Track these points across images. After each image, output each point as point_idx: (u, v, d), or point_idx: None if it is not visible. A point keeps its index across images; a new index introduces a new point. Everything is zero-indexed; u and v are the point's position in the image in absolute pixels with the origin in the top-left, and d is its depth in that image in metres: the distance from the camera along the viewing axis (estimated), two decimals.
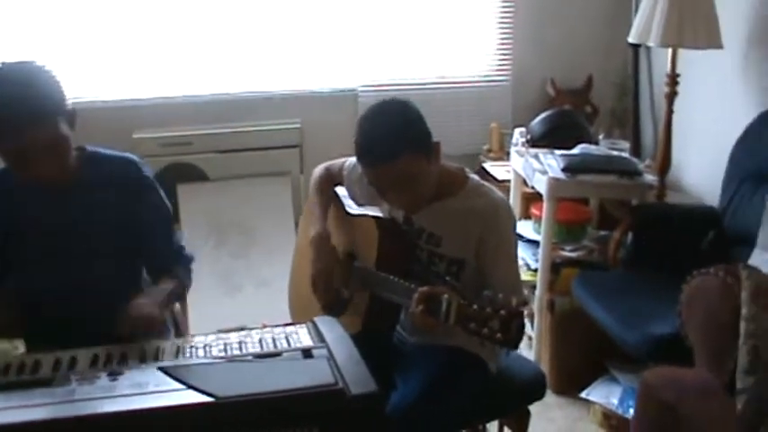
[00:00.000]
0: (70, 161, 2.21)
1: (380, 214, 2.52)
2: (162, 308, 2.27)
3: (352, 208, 2.63)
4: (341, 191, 2.68)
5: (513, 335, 1.92)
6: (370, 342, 2.17)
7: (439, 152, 2.29)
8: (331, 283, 2.46)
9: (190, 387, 1.77)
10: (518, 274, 2.46)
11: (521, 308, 1.92)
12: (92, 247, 2.30)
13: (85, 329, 2.10)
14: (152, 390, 1.77)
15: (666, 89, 3.74)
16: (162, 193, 2.44)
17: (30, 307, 2.33)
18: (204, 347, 2.01)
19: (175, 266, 2.45)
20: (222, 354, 1.97)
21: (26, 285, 2.33)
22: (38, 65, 2.10)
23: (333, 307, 2.48)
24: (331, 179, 2.67)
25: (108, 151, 2.38)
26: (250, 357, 1.94)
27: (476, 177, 2.43)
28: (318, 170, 2.70)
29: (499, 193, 2.40)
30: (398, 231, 2.45)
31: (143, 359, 1.96)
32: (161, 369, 1.86)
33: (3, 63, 2.10)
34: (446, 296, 2.03)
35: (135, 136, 4.02)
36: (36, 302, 2.32)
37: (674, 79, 3.71)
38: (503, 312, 1.92)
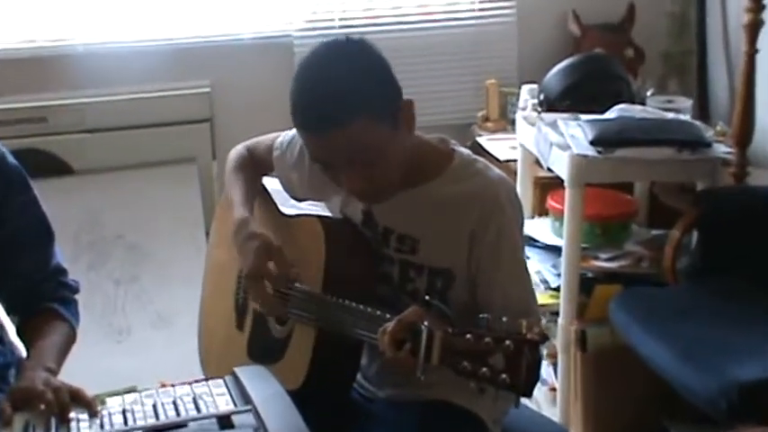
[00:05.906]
0: None
1: (328, 213, 2.51)
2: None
3: (288, 207, 2.62)
4: (271, 183, 2.67)
5: (525, 374, 1.91)
6: (318, 400, 2.19)
7: (412, 115, 2.28)
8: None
9: None
10: (530, 287, 2.44)
11: (535, 335, 1.91)
12: None
13: None
14: None
15: (747, 18, 3.71)
16: (35, 191, 2.41)
17: None
18: (74, 421, 1.98)
19: (57, 301, 2.43)
20: (99, 430, 1.95)
21: None
22: None
23: (262, 350, 2.46)
24: (255, 163, 2.65)
25: None
26: None
27: (465, 151, 2.42)
28: (236, 150, 2.69)
29: (498, 171, 2.39)
30: (356, 236, 2.44)
31: None
32: None
33: None
34: (425, 324, 2.02)
35: None
36: None
37: (758, 3, 3.68)
38: (508, 343, 1.91)
